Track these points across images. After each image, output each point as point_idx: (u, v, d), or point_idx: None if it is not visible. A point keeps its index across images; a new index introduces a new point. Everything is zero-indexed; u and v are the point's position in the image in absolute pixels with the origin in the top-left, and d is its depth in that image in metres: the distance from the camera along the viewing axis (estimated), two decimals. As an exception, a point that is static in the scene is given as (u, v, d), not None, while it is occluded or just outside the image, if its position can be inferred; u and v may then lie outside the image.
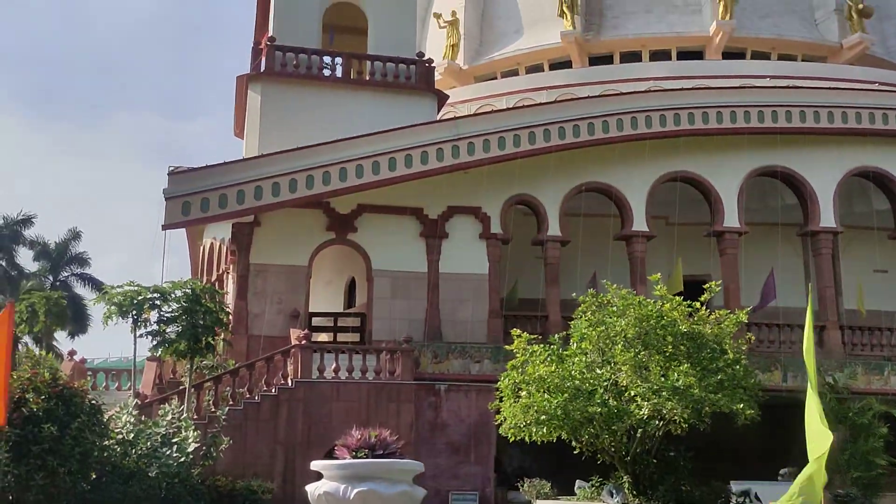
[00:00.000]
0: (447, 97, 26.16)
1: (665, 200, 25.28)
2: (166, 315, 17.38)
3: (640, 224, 24.37)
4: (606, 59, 35.28)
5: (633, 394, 11.48)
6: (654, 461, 12.66)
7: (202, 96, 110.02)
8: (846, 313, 26.06)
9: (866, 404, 21.58)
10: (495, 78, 36.58)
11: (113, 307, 17.28)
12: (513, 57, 36.25)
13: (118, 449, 14.80)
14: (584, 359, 12.04)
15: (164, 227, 21.25)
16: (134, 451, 15.10)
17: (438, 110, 25.60)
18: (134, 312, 17.27)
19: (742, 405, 11.90)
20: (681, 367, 11.67)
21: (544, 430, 11.43)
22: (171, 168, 22.46)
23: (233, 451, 16.97)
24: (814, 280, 25.18)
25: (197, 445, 15.70)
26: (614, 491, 11.92)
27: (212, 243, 30.46)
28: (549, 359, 12.14)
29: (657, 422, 11.77)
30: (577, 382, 11.28)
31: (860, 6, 34.75)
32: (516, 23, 37.20)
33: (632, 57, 34.87)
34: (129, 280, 17.64)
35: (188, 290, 17.49)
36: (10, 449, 13.12)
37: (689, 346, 12.10)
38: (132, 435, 15.19)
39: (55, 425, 13.40)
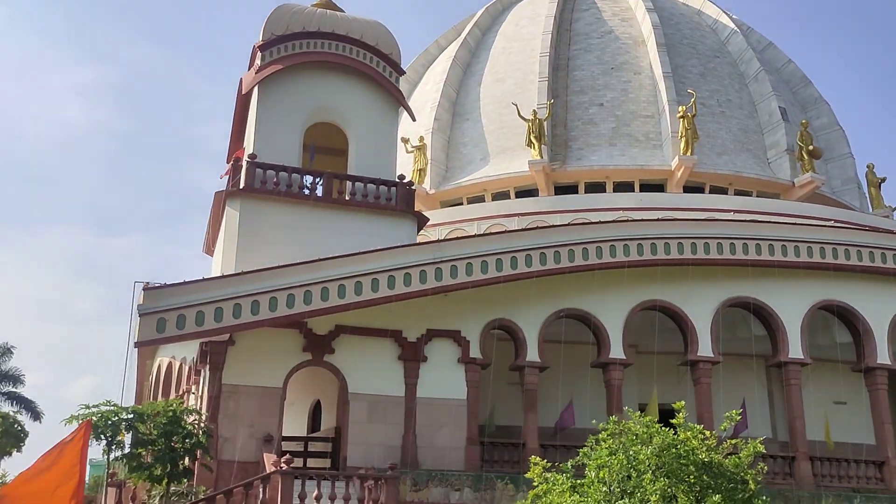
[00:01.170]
0: (427, 219, 26.33)
1: (636, 329, 25.45)
2: (143, 437, 16.55)
3: (616, 352, 24.41)
4: (571, 189, 36.24)
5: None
6: None
7: (135, 212, 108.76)
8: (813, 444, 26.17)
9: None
10: (461, 203, 37.18)
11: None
12: (480, 183, 36.99)
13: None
14: (602, 488, 11.71)
15: (138, 345, 20.50)
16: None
17: (418, 232, 25.67)
18: (109, 433, 16.42)
19: None
20: (714, 498, 11.44)
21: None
22: (145, 284, 21.91)
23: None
24: (782, 411, 25.34)
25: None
26: None
27: (170, 362, 29.55)
28: (571, 489, 11.76)
29: None
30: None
31: (810, 147, 36.66)
32: (482, 150, 38.18)
33: (596, 187, 35.91)
34: (105, 399, 16.85)
35: (169, 412, 16.73)
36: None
37: (710, 476, 11.90)
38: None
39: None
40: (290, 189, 24.24)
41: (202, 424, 17.10)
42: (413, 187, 25.64)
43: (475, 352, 23.76)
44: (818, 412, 25.98)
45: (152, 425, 16.62)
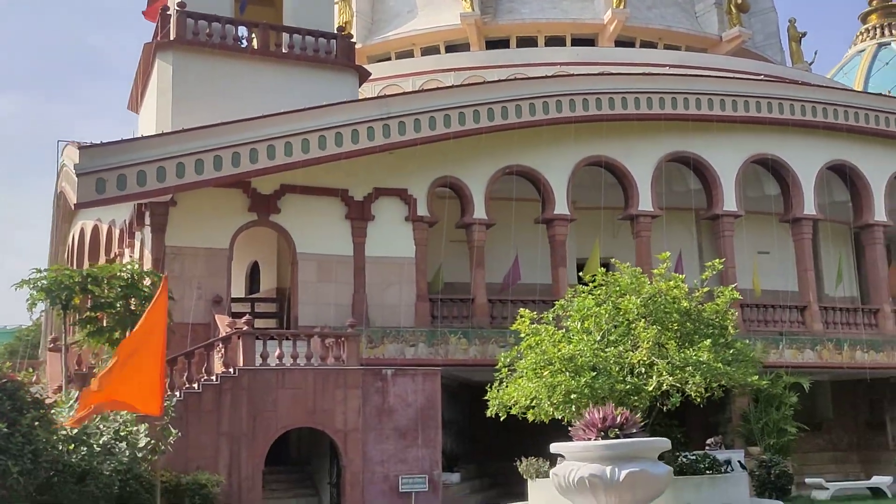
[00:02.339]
0: (369, 74, 25.46)
1: (576, 185, 25.64)
2: (101, 300, 15.96)
3: (561, 208, 24.63)
4: (503, 43, 35.51)
5: (650, 370, 11.54)
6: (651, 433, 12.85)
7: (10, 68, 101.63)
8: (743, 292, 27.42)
9: (777, 375, 22.89)
10: (389, 58, 36.03)
11: (39, 292, 15.73)
12: (408, 37, 35.83)
13: (68, 446, 13.52)
14: (592, 338, 12.00)
15: (77, 206, 19.57)
16: (83, 447, 13.85)
17: (359, 87, 24.85)
18: (64, 297, 15.77)
19: (756, 377, 12.32)
20: (704, 343, 11.88)
21: (572, 409, 11.31)
22: (73, 143, 20.72)
23: (174, 444, 15.85)
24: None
25: (147, 439, 14.60)
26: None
27: (95, 226, 28.41)
28: (564, 339, 11.98)
29: (677, 395, 11.92)
30: (594, 361, 11.21)
31: (738, 0, 36.65)
32: (410, 3, 36.79)
33: (528, 42, 35.30)
34: (56, 265, 16.09)
35: (124, 274, 16.12)
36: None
37: (692, 323, 12.34)
38: (82, 431, 13.91)
39: (3, 421, 12.10)
40: (224, 41, 22.91)
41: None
42: (353, 40, 24.58)
43: (422, 210, 23.59)
44: (748, 262, 27.05)
45: (107, 288, 16.00)
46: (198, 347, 18.05)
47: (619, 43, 35.23)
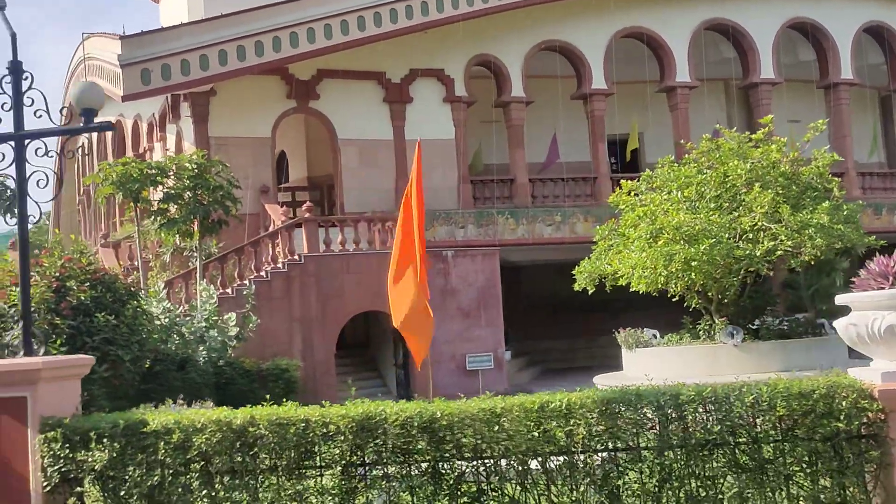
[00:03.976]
0: (398, -49, 24.50)
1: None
2: (171, 192, 15.79)
3: (599, 82, 24.29)
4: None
5: (758, 235, 11.55)
6: (748, 301, 13.05)
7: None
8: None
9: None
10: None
11: (111, 185, 15.54)
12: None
13: (163, 335, 13.66)
14: (706, 205, 11.93)
15: (125, 98, 19.14)
16: (176, 336, 14.01)
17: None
18: (136, 188, 15.59)
19: (871, 238, 12.41)
20: (822, 205, 11.89)
21: (692, 276, 11.39)
22: (107, 33, 20.10)
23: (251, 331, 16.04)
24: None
25: (237, 328, 14.78)
26: (734, 332, 12.16)
27: (117, 121, 27.87)
28: (675, 207, 11.89)
29: (794, 258, 12.02)
30: (709, 228, 11.21)
31: None
32: None
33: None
34: (125, 158, 15.86)
35: (191, 165, 15.89)
36: (64, 342, 11.76)
37: (798, 186, 12.31)
38: (172, 319, 14.04)
39: (108, 313, 12.13)
40: (249, -80, 21.89)
41: (230, 176, 16.34)
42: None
43: (460, 90, 23.24)
44: (782, 130, 26.87)
45: (175, 179, 15.79)
46: (262, 237, 18.02)
47: None
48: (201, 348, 13.91)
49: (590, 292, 13.79)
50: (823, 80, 26.83)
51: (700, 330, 12.80)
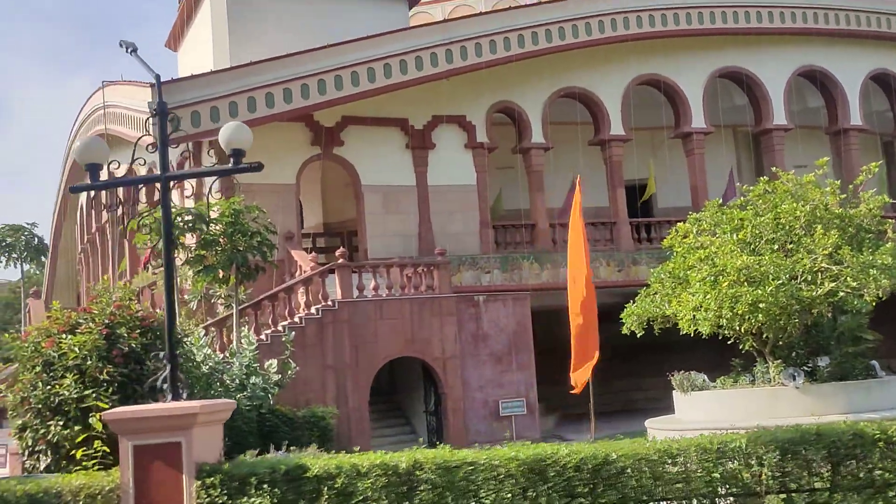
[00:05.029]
0: (417, 0, 24.88)
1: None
2: (207, 238, 15.64)
3: (617, 128, 24.53)
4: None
5: (816, 276, 11.60)
6: (802, 343, 13.05)
7: None
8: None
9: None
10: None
11: (150, 233, 15.40)
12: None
13: (205, 383, 13.44)
14: (769, 246, 11.96)
15: (155, 145, 19.05)
16: (219, 384, 13.79)
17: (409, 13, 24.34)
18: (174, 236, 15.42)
19: None
20: (886, 246, 11.99)
21: (759, 317, 11.37)
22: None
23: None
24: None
25: (278, 375, 14.58)
26: (795, 374, 12.13)
27: (132, 169, 27.79)
28: (737, 249, 11.91)
29: (856, 300, 12.05)
30: (773, 270, 11.24)
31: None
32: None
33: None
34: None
35: (229, 211, 15.78)
36: (115, 390, 11.53)
37: (853, 228, 12.41)
38: (213, 367, 13.84)
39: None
40: (275, -30, 22.21)
41: (267, 222, 16.23)
42: (400, -35, 23.99)
43: (481, 136, 23.37)
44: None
45: (212, 225, 15.66)
46: (296, 282, 17.89)
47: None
48: (241, 396, 13.69)
49: (638, 335, 13.77)
50: (832, 127, 27.24)
51: (757, 372, 12.77)
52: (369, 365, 17.66)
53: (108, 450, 8.82)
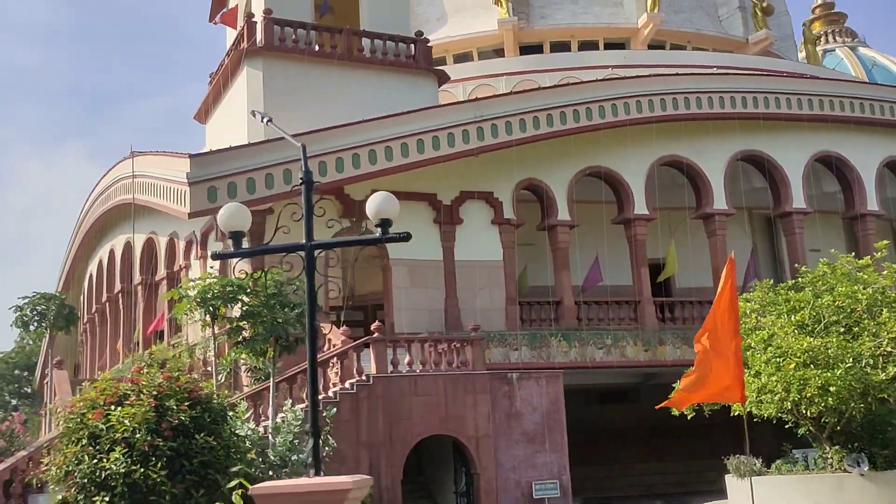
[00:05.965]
0: (448, 77, 25.26)
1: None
2: (249, 309, 15.46)
3: (640, 208, 24.71)
4: (535, 49, 35.61)
5: (881, 360, 11.57)
6: (859, 429, 12.89)
7: None
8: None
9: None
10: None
11: (192, 303, 15.24)
12: (441, 44, 35.58)
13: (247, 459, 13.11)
14: (835, 329, 11.94)
15: (192, 216, 19.06)
16: (262, 460, 13.48)
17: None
18: (212, 307, 15.29)
19: None
20: None
21: (829, 400, 11.24)
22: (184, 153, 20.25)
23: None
24: (787, 257, 26.66)
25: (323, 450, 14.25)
26: (860, 460, 11.94)
27: (150, 239, 27.77)
28: (797, 331, 11.87)
29: None
30: (838, 353, 11.18)
31: (764, 4, 37.28)
32: (439, 9, 36.72)
33: (561, 47, 35.43)
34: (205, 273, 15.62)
35: (271, 283, 15.64)
36: (164, 465, 11.22)
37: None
38: (255, 442, 13.55)
39: (207, 434, 11.68)
40: (310, 47, 22.55)
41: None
42: (430, 44, 24.41)
43: (508, 212, 23.47)
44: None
45: (253, 296, 15.51)
46: (331, 355, 17.66)
47: (650, 47, 35.57)
48: (283, 472, 13.37)
49: (688, 417, 13.58)
50: (849, 212, 27.52)
51: (817, 457, 12.58)
52: (403, 442, 17.32)
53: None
